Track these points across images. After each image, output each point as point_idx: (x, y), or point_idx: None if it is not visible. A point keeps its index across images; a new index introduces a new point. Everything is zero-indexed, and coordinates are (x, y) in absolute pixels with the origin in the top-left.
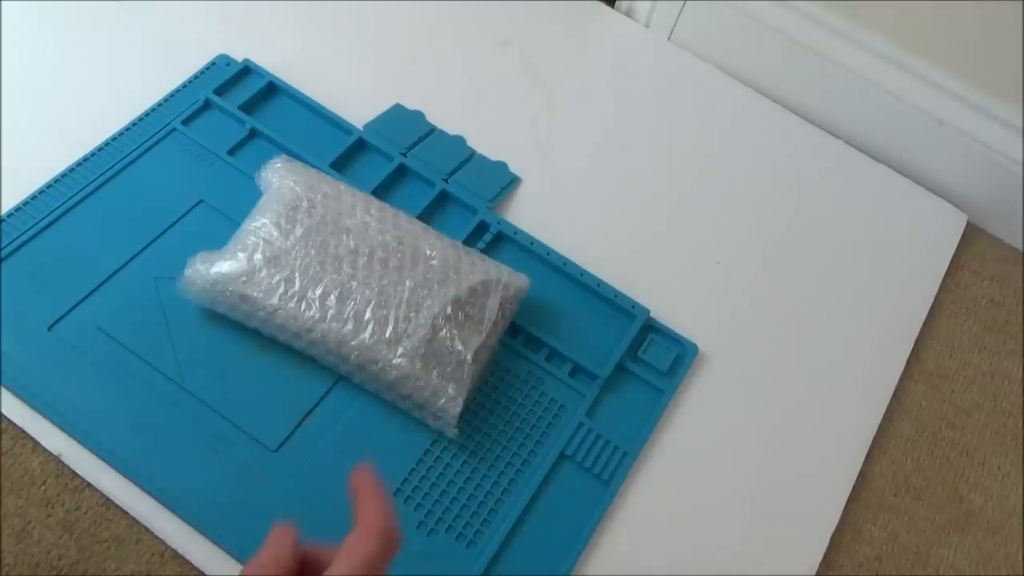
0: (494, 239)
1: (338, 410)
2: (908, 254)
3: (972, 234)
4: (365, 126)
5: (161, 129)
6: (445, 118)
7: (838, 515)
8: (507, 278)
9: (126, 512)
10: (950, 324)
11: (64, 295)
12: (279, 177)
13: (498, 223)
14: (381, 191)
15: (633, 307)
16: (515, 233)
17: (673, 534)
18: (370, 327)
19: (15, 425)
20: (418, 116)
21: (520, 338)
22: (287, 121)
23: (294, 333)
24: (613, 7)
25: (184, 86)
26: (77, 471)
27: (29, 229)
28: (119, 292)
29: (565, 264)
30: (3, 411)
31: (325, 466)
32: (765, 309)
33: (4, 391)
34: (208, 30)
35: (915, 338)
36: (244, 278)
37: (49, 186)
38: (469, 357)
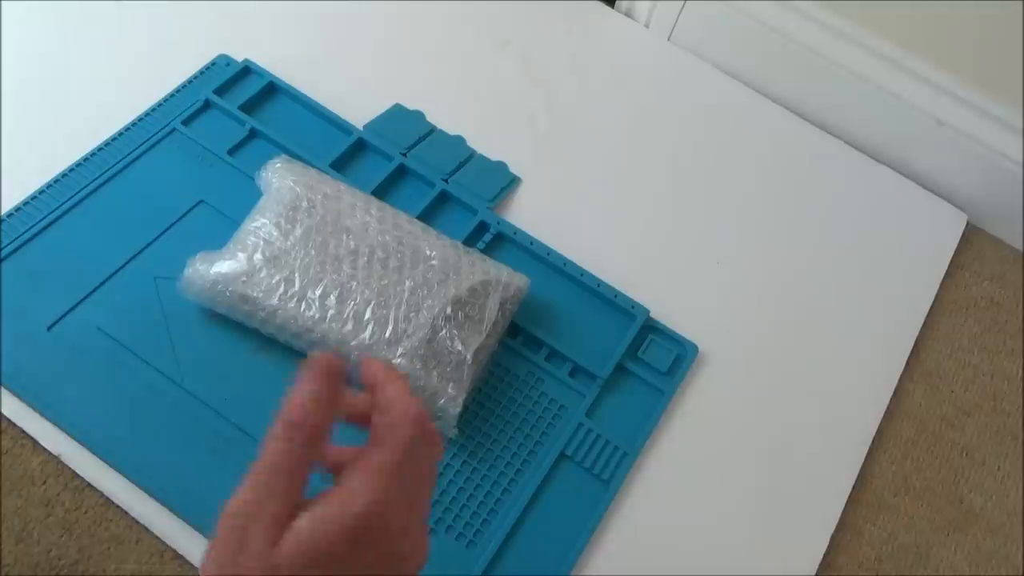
0: (494, 239)
1: None
2: (908, 254)
3: (972, 234)
4: (365, 126)
5: (161, 129)
6: (445, 118)
7: (838, 515)
8: (507, 278)
9: (126, 512)
10: (950, 324)
11: (64, 295)
12: (279, 177)
13: (498, 223)
14: (381, 191)
15: (633, 307)
16: (515, 233)
17: (673, 534)
18: (370, 327)
19: (15, 425)
20: (418, 116)
21: (520, 338)
22: (287, 121)
23: (294, 333)
24: (613, 7)
25: (184, 86)
26: (77, 471)
27: (29, 229)
28: (119, 292)
29: (565, 264)
30: (3, 411)
31: None
32: (765, 309)
33: (4, 391)
34: (208, 30)
35: (915, 338)
36: (244, 278)
37: (49, 186)
38: (469, 357)
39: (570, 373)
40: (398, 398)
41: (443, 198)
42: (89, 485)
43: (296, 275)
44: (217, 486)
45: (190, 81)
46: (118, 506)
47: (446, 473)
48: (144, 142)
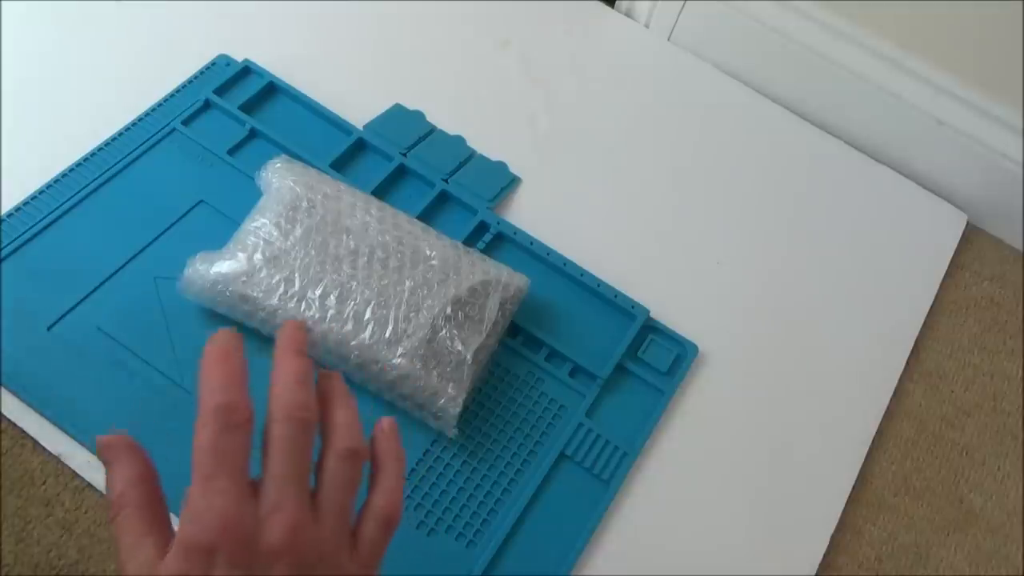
0: (494, 239)
1: None
2: (908, 254)
3: (972, 234)
4: (365, 126)
5: (161, 129)
6: (445, 118)
7: (838, 515)
8: (507, 278)
9: None
10: (950, 324)
11: (64, 295)
12: (279, 177)
13: (498, 223)
14: (381, 191)
15: (633, 307)
16: (515, 233)
17: (673, 534)
18: (370, 327)
19: (15, 425)
20: (418, 116)
21: (520, 338)
22: (287, 121)
23: None
24: (613, 7)
25: (184, 86)
26: (77, 471)
27: (29, 229)
28: (119, 292)
29: (565, 264)
30: (3, 411)
31: None
32: (765, 309)
33: (4, 391)
34: (208, 30)
35: (915, 338)
36: (244, 278)
37: (49, 186)
38: (469, 357)
39: (570, 373)
40: (208, 389)
41: (443, 198)
42: (89, 485)
43: (296, 275)
44: None
45: (190, 81)
46: None
47: (446, 473)
48: (144, 142)
